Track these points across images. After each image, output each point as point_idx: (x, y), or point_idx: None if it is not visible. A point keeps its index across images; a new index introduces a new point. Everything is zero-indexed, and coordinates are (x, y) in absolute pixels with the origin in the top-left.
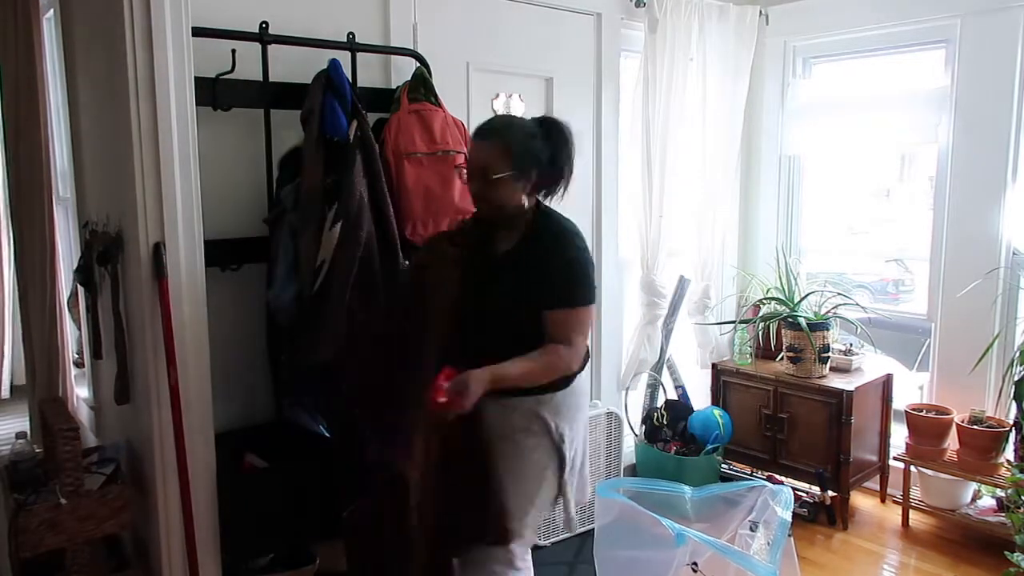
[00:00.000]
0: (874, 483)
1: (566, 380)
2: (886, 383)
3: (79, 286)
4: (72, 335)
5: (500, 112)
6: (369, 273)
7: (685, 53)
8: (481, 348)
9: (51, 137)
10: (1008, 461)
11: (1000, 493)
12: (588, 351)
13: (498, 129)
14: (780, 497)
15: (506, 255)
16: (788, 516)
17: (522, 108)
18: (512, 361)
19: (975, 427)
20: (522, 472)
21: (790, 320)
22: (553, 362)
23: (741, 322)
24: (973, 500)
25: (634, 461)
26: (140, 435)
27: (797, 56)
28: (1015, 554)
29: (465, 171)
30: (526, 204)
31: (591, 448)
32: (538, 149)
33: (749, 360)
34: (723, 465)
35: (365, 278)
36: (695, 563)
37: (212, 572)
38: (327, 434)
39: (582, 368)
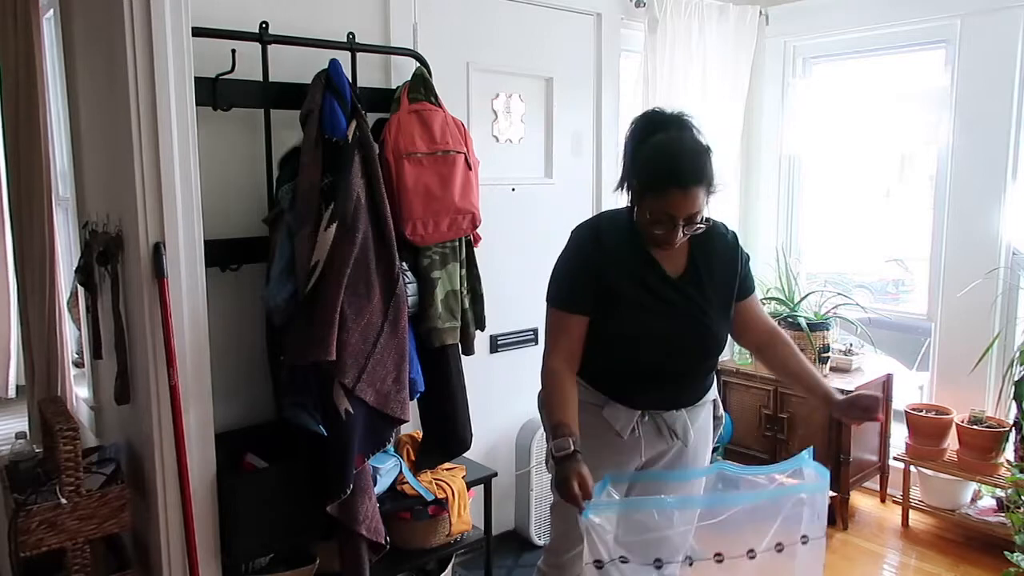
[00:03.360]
0: (874, 483)
1: None
2: (886, 383)
3: (79, 286)
4: (72, 335)
5: (500, 112)
6: (364, 274)
7: (685, 53)
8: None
9: (51, 137)
10: (1008, 461)
11: (1000, 493)
12: None
13: (703, 169)
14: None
15: (686, 274)
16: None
17: (522, 108)
18: (804, 364)
19: (975, 427)
20: (709, 451)
21: (790, 320)
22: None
23: None
24: (973, 500)
25: None
26: (140, 435)
27: (797, 56)
28: (1015, 554)
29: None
30: None
31: None
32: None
33: (749, 360)
34: None
35: (360, 279)
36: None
37: (212, 572)
38: (326, 433)
39: None
